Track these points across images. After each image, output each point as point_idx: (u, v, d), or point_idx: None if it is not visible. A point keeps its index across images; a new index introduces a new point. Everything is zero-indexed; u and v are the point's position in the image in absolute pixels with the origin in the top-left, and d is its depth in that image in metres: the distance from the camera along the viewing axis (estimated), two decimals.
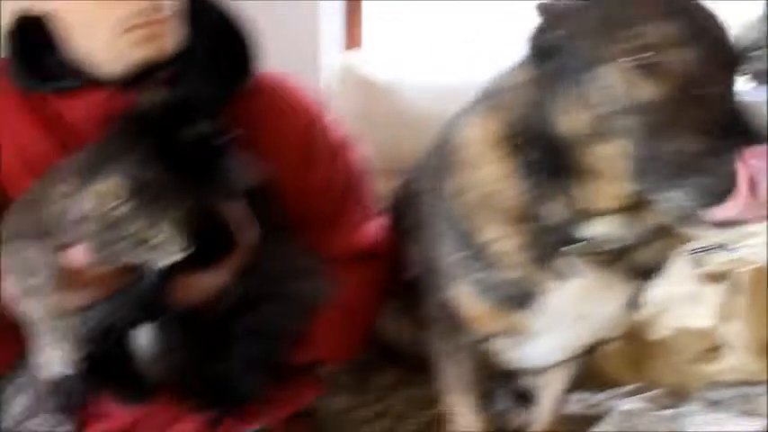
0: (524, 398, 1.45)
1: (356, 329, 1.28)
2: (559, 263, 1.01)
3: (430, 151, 1.23)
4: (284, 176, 1.13)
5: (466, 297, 1.10)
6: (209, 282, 1.07)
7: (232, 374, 1.09)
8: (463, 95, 1.07)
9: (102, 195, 0.92)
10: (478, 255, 1.05)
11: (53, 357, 0.94)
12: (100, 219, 0.93)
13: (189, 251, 0.94)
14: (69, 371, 0.95)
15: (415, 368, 1.44)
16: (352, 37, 2.12)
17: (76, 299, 1.00)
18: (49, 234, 0.97)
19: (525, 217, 0.99)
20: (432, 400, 1.42)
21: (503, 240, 1.02)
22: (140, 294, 1.00)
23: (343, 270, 1.20)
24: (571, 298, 1.04)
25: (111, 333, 1.09)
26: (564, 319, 1.07)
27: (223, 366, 1.08)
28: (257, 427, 1.16)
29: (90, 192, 0.93)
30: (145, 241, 0.93)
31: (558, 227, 0.98)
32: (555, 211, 0.97)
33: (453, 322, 1.17)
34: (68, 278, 0.97)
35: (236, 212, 1.05)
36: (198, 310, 1.07)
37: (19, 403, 1.14)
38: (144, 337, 1.10)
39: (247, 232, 1.07)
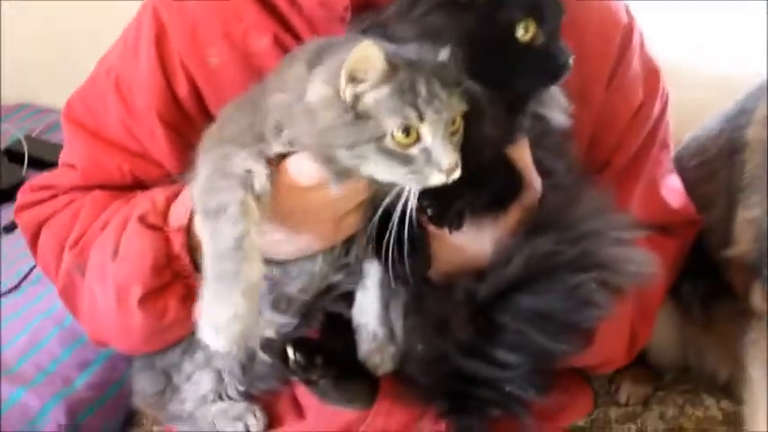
0: None
1: (647, 326, 0.93)
2: None
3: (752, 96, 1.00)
4: (585, 98, 0.80)
5: None
6: (476, 243, 0.74)
7: (494, 375, 0.75)
8: None
9: (347, 71, 0.61)
10: None
11: (219, 319, 0.62)
12: (336, 108, 0.63)
13: (456, 174, 0.63)
14: (237, 345, 0.63)
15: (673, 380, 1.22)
16: None
17: (285, 240, 0.73)
18: (263, 139, 0.68)
19: None
20: (700, 423, 1.18)
21: None
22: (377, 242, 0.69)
23: (641, 241, 0.85)
24: None
25: (324, 299, 0.80)
26: None
27: (483, 363, 0.74)
28: None
29: (353, 65, 0.62)
30: (399, 147, 0.62)
31: None
32: None
33: None
34: (281, 204, 0.68)
35: (521, 152, 0.73)
36: (457, 283, 0.75)
37: (198, 384, 0.85)
38: (373, 312, 0.78)
39: (532, 181, 0.74)
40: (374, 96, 0.62)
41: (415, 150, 0.62)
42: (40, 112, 1.89)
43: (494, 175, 0.71)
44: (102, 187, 0.89)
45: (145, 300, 0.78)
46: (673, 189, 0.96)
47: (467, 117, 0.66)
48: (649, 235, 0.87)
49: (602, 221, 0.75)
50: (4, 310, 1.16)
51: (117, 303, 0.80)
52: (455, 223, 0.68)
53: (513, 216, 0.74)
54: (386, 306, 0.78)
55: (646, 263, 0.75)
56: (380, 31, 0.71)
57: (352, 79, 0.62)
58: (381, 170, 0.64)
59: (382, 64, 0.61)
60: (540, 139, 0.75)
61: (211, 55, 0.83)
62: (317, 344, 0.78)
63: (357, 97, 0.62)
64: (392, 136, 0.62)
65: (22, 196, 0.93)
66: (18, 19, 1.90)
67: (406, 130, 0.62)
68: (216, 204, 0.66)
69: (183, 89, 0.85)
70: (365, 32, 0.72)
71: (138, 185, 0.88)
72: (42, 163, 1.58)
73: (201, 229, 0.67)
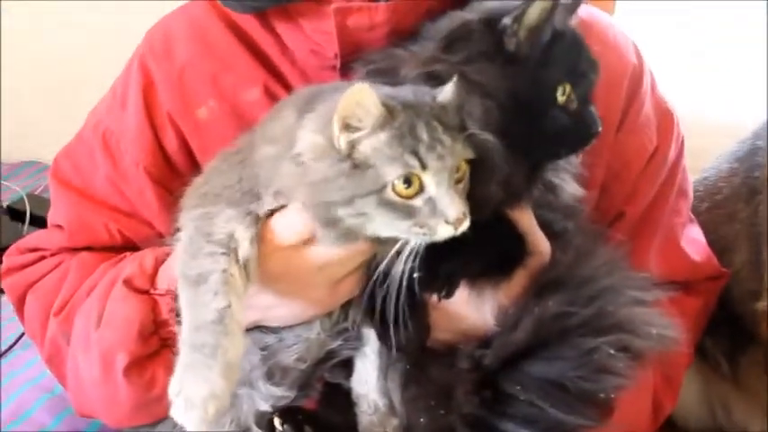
0: None
1: (672, 394, 0.87)
2: None
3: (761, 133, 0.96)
4: (593, 147, 0.74)
5: None
6: (477, 311, 0.69)
7: None
8: None
9: (340, 117, 0.57)
10: None
11: (194, 396, 0.57)
12: (330, 158, 0.58)
13: (465, 225, 0.58)
14: (212, 425, 0.58)
15: None
16: None
17: (277, 305, 0.68)
18: (253, 196, 0.64)
19: None
20: None
21: None
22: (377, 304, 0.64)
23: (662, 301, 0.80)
24: None
25: (322, 368, 0.74)
26: None
27: None
28: None
29: (345, 111, 0.57)
30: (401, 198, 0.57)
31: None
32: None
33: None
34: (269, 267, 0.65)
35: (523, 216, 0.68)
36: (460, 350, 0.69)
37: None
38: (372, 381, 0.73)
39: (538, 246, 0.69)
40: (371, 144, 0.57)
41: (418, 201, 0.58)
42: (45, 170, 1.87)
43: (492, 238, 0.65)
44: (89, 248, 0.85)
45: (130, 369, 0.73)
46: (694, 240, 0.90)
47: (473, 167, 0.61)
48: (671, 295, 0.82)
49: (618, 278, 0.69)
50: None
51: (101, 373, 0.75)
52: (445, 290, 0.62)
53: (517, 282, 0.68)
54: (385, 374, 0.72)
55: (668, 326, 0.69)
56: (388, 76, 0.67)
57: (346, 126, 0.57)
58: (383, 225, 0.59)
59: (378, 108, 0.56)
60: (550, 203, 0.70)
61: (200, 107, 0.80)
62: (308, 414, 0.72)
63: (352, 145, 0.58)
64: (392, 186, 0.57)
65: (9, 259, 0.89)
66: (22, 75, 1.91)
67: (407, 180, 0.57)
68: (197, 272, 0.61)
69: (171, 144, 0.82)
70: (369, 76, 0.68)
71: (128, 246, 0.84)
72: (44, 221, 1.55)
73: (181, 295, 0.63)
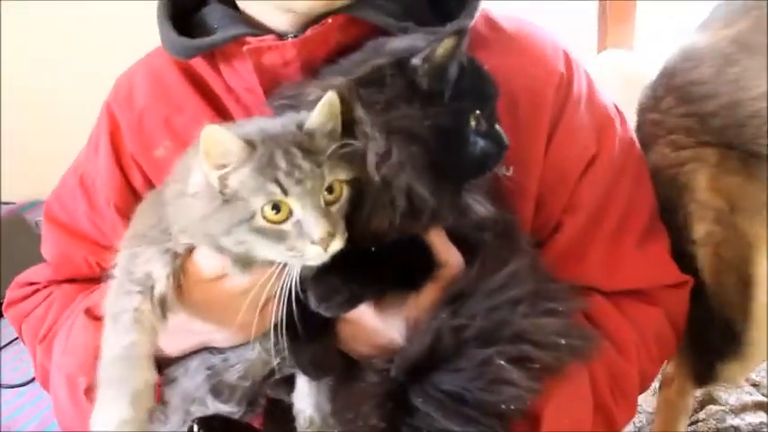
0: None
1: (625, 407, 0.81)
2: None
3: None
4: (523, 161, 0.77)
5: None
6: (391, 326, 0.71)
7: None
8: None
9: (204, 157, 0.61)
10: None
11: (107, 425, 0.63)
12: (207, 195, 0.63)
13: (336, 245, 0.62)
14: None
15: None
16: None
17: (212, 330, 0.73)
18: (167, 232, 0.69)
19: None
20: None
21: None
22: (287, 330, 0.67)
23: (607, 311, 0.80)
24: None
25: (266, 385, 0.79)
26: None
27: None
28: None
29: (206, 150, 0.62)
30: (272, 224, 0.61)
31: None
32: None
33: None
34: (195, 298, 0.69)
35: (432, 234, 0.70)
36: (370, 364, 0.72)
37: None
38: (309, 397, 0.77)
39: (449, 259, 0.71)
40: (237, 178, 0.62)
41: (288, 225, 0.62)
42: None
43: (400, 253, 0.68)
44: (72, 281, 0.93)
45: (91, 391, 0.79)
46: (651, 245, 0.86)
47: (359, 186, 0.65)
48: (617, 302, 0.81)
49: (528, 289, 0.69)
50: (23, 399, 1.21)
51: (68, 395, 0.82)
52: (344, 307, 0.65)
53: (427, 296, 0.70)
54: (317, 389, 0.76)
55: (585, 336, 0.69)
56: (294, 106, 0.70)
57: (215, 164, 0.62)
58: (264, 250, 0.63)
59: (237, 144, 0.60)
60: (461, 223, 0.71)
61: (157, 148, 0.86)
62: (227, 422, 0.75)
63: (223, 181, 0.62)
64: (262, 214, 0.61)
65: (9, 293, 0.98)
66: (80, 120, 2.03)
67: (276, 206, 0.61)
68: (114, 310, 0.67)
69: (138, 182, 0.88)
70: (278, 109, 0.72)
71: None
72: None
73: (103, 332, 0.68)
